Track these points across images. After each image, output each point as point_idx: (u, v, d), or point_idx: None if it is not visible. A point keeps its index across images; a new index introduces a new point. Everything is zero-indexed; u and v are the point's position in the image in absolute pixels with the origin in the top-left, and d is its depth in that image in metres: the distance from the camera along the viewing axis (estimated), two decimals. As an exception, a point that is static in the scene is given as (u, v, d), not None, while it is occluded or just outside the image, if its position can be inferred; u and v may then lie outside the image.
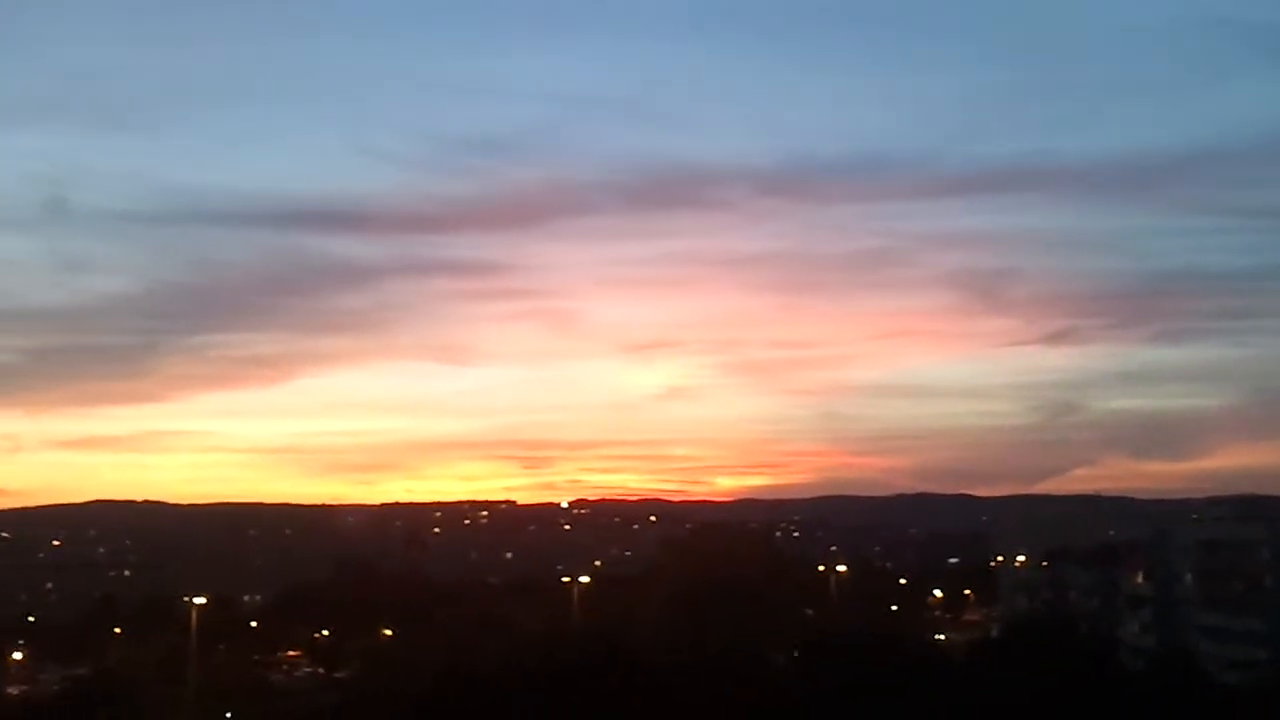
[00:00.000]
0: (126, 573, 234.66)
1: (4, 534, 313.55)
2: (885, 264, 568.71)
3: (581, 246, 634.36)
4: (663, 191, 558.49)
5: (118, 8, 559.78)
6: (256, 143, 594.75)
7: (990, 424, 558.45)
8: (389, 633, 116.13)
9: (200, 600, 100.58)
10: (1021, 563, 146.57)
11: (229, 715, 76.80)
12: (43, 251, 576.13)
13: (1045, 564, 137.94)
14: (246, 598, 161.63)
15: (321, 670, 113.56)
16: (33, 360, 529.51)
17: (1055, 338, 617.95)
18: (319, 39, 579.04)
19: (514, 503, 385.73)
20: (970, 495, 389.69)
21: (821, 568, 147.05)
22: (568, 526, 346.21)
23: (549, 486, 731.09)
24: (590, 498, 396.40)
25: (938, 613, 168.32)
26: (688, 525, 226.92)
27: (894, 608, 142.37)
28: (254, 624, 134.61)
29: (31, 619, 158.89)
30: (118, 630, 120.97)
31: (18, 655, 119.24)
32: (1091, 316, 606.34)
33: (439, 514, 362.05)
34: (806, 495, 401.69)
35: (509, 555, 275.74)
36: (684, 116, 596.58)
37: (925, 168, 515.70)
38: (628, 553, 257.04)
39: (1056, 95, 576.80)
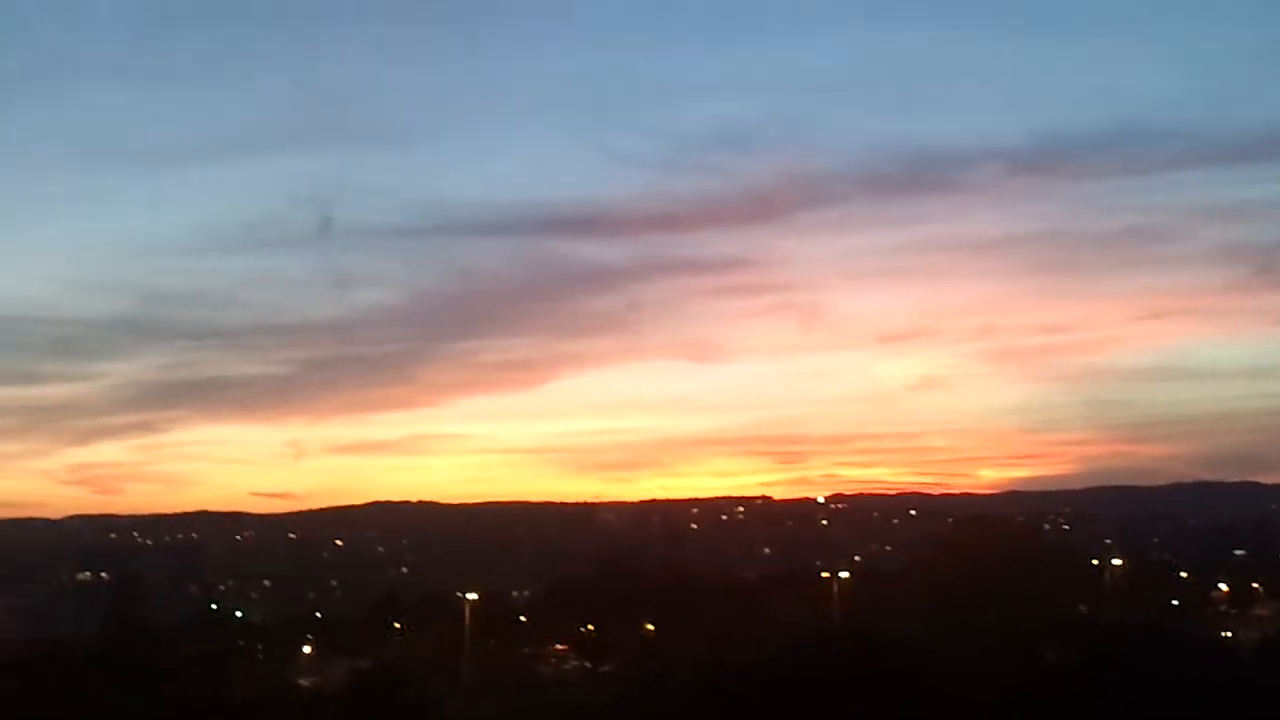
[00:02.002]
0: (404, 570, 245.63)
1: (291, 534, 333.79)
2: (1149, 241, 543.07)
3: (827, 238, 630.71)
4: (909, 177, 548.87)
5: (372, 32, 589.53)
6: (507, 154, 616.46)
7: (1276, 406, 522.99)
8: (651, 627, 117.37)
9: (472, 596, 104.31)
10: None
11: (502, 703, 79.05)
12: (314, 268, 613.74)
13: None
14: (515, 593, 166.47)
15: (588, 663, 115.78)
16: (309, 371, 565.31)
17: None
18: (561, 48, 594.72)
19: (770, 498, 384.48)
20: (1256, 482, 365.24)
21: (1095, 561, 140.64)
22: (825, 522, 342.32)
23: (804, 481, 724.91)
24: (847, 492, 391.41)
25: (1223, 608, 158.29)
26: (949, 519, 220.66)
27: (1174, 603, 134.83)
28: (523, 618, 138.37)
29: (319, 615, 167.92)
30: (397, 624, 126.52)
31: (307, 648, 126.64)
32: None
33: (696, 510, 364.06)
34: (1075, 486, 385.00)
35: (766, 551, 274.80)
36: (927, 98, 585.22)
37: (1191, 135, 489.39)
38: (887, 548, 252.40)
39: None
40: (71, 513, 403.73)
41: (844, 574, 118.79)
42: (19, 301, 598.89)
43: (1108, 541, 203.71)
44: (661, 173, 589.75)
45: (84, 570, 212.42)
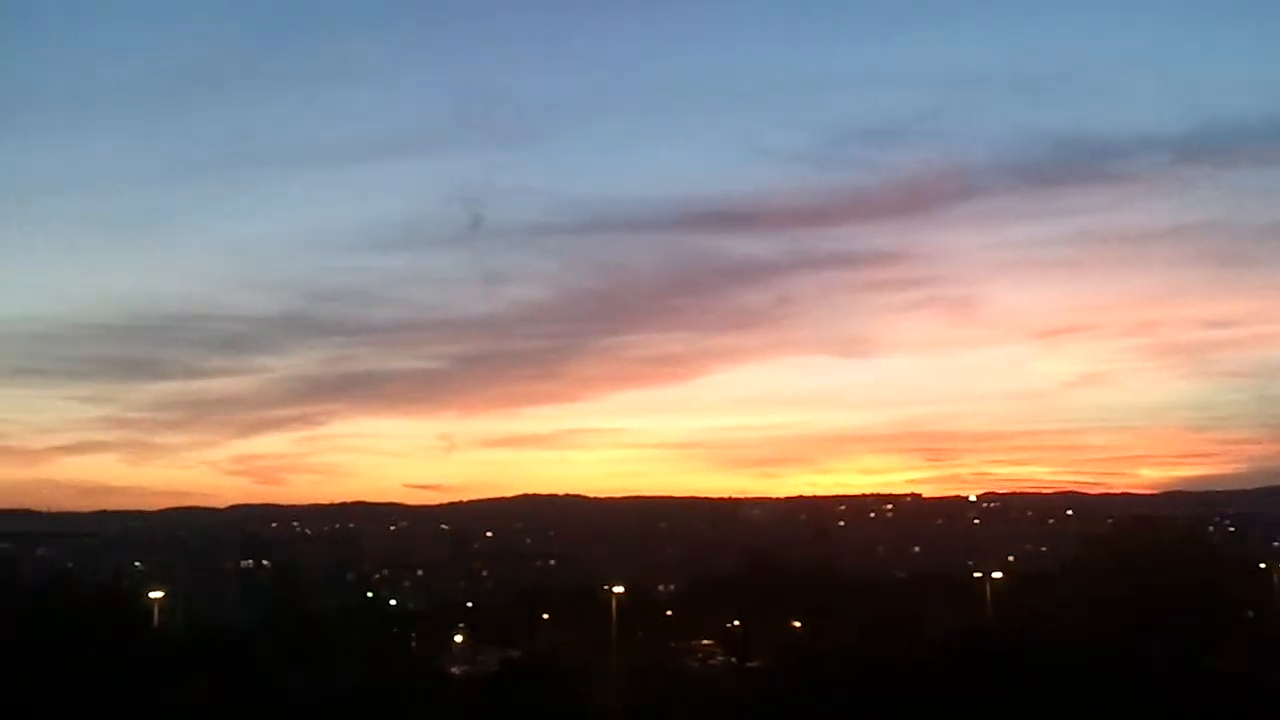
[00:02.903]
0: (551, 562, 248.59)
1: (444, 525, 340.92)
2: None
3: (979, 230, 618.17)
4: (1064, 168, 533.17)
5: (521, 31, 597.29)
6: (655, 149, 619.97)
7: None
8: (798, 624, 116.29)
9: (619, 589, 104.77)
10: None
11: (650, 697, 79.18)
12: (467, 265, 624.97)
13: None
14: (661, 587, 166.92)
15: (734, 660, 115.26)
16: (461, 366, 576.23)
17: None
18: (709, 43, 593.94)
19: (919, 495, 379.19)
20: None
21: (1262, 565, 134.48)
22: (976, 520, 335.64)
23: (955, 479, 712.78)
24: (999, 490, 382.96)
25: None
26: (1109, 519, 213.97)
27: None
28: (669, 612, 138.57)
29: (470, 605, 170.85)
30: (545, 615, 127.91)
31: (459, 637, 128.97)
32: None
33: (843, 507, 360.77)
34: (1243, 486, 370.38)
35: (915, 549, 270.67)
36: (1083, 87, 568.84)
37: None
38: (1042, 548, 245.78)
39: None
40: (235, 502, 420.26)
41: (997, 574, 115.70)
42: (187, 299, 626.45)
43: (1277, 544, 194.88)
44: (812, 166, 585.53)
45: (247, 558, 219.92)
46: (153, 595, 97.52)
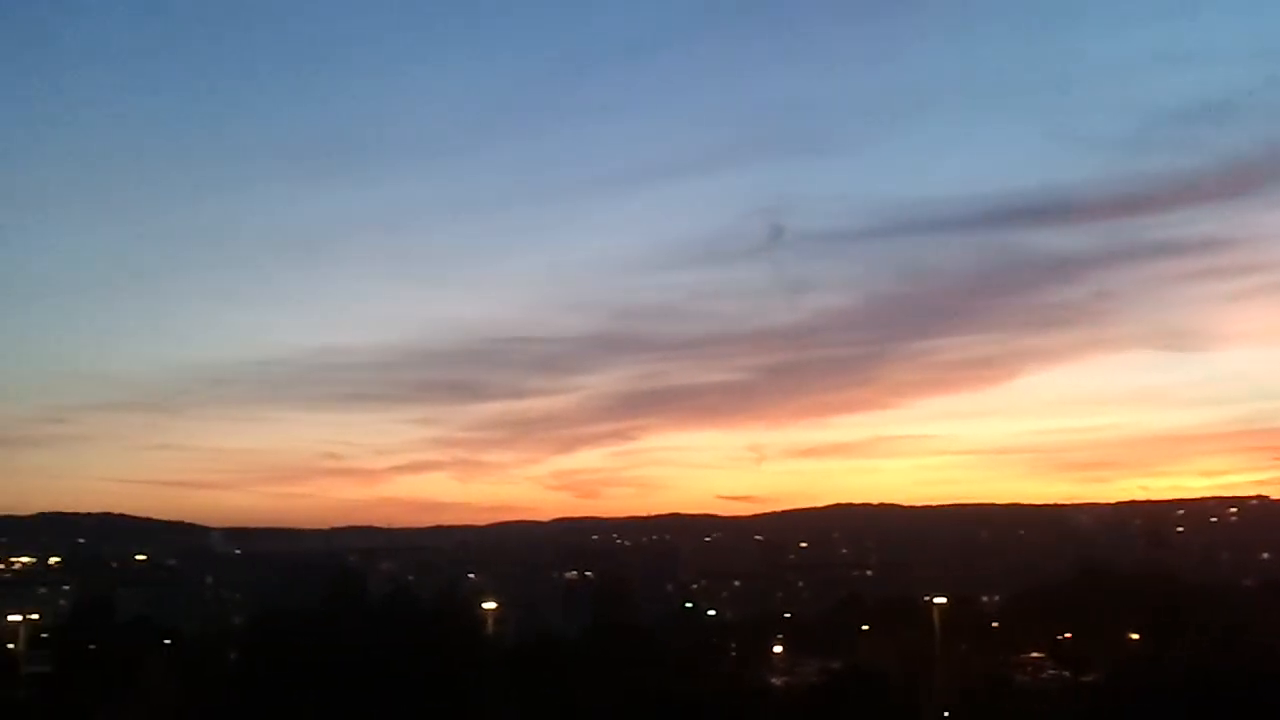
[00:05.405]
0: (868, 572, 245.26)
1: (757, 536, 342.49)
2: None
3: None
4: None
5: (811, 40, 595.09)
6: (954, 146, 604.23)
7: None
8: (1135, 636, 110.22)
9: (940, 600, 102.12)
10: None
11: (979, 712, 76.79)
12: (770, 276, 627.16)
13: None
14: (984, 597, 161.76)
15: (1067, 673, 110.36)
16: (768, 376, 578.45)
17: None
18: (1002, 33, 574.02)
19: (1266, 498, 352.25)
20: None
21: None
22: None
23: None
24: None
25: None
26: None
27: None
28: (994, 624, 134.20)
29: (788, 615, 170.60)
30: (865, 626, 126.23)
31: (777, 648, 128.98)
32: None
33: (1180, 512, 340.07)
34: None
35: (1264, 556, 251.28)
36: None
37: None
38: None
39: None
40: (558, 515, 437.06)
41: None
42: (506, 323, 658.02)
43: None
44: (1127, 152, 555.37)
45: (570, 569, 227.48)
46: (486, 605, 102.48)
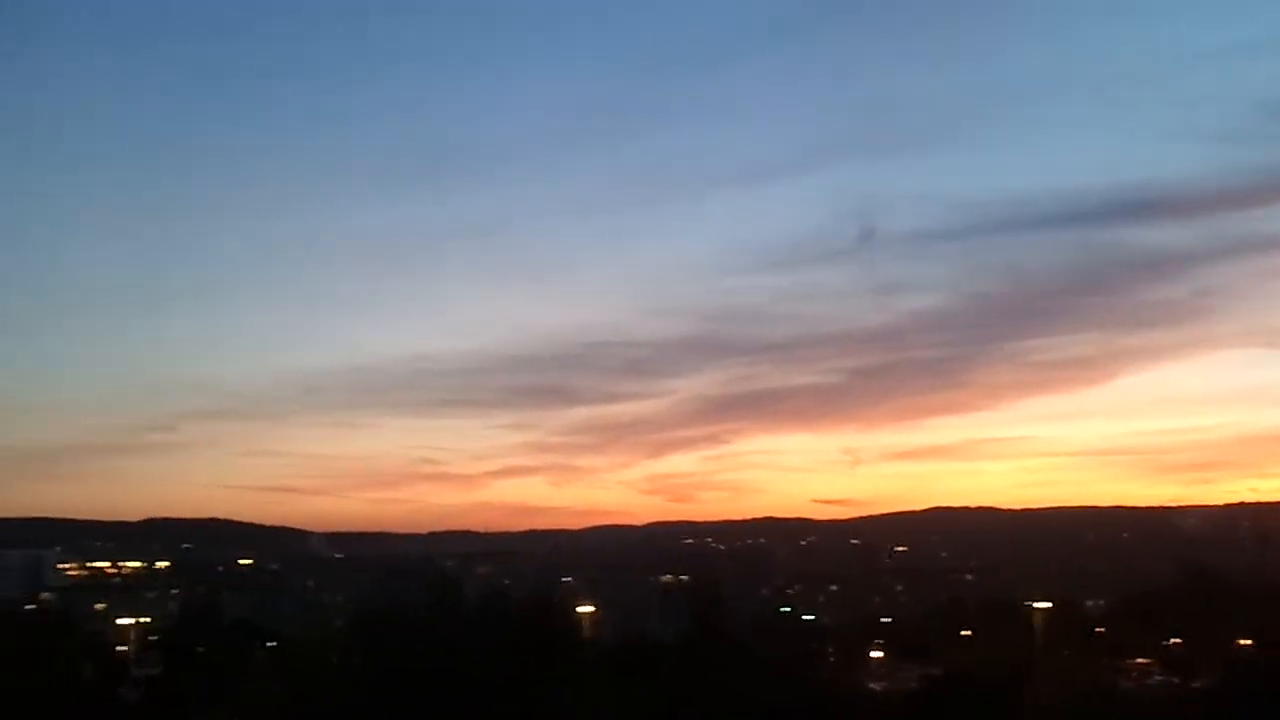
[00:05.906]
0: (968, 576, 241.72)
1: (853, 540, 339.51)
2: None
3: None
4: None
5: (896, 38, 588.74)
6: (1050, 143, 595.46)
7: None
8: (1247, 641, 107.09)
9: (1043, 604, 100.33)
10: None
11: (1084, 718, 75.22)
12: (859, 278, 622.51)
13: None
14: (1088, 602, 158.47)
15: (1175, 679, 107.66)
16: (860, 379, 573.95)
17: None
18: (1089, 26, 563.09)
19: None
20: None
21: None
22: None
23: None
24: None
25: None
26: None
27: None
28: (1099, 629, 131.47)
29: (886, 619, 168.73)
30: (965, 631, 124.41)
31: (876, 653, 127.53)
32: None
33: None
34: None
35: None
36: None
37: None
38: None
39: None
40: (651, 519, 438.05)
41: None
42: (597, 328, 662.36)
43: None
44: (1227, 145, 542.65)
45: (665, 573, 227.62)
46: (582, 610, 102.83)
